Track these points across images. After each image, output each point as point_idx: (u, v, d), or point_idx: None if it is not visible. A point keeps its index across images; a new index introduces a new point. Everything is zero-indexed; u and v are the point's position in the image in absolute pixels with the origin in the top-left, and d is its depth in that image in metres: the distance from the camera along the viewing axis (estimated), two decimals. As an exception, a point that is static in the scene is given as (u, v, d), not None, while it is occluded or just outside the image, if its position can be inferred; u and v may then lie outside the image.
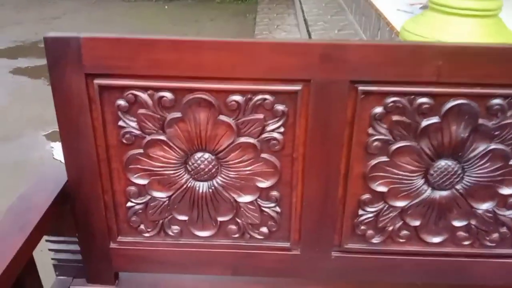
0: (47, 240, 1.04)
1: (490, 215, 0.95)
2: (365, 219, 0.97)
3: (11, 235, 0.82)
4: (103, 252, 1.02)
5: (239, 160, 0.92)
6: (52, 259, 1.07)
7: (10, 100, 3.33)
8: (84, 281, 1.07)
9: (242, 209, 0.97)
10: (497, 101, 0.84)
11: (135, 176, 0.94)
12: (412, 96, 0.85)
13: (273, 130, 0.89)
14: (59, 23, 5.24)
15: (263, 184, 0.94)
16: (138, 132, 0.90)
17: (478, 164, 0.90)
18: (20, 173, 2.40)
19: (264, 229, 0.99)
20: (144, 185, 0.95)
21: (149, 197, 0.97)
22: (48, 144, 2.68)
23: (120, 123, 0.89)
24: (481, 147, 0.89)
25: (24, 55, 4.27)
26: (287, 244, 1.00)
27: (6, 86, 3.59)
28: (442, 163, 0.91)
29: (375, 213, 0.96)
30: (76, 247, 1.03)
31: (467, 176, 0.92)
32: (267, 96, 0.86)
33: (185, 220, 0.99)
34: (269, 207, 0.97)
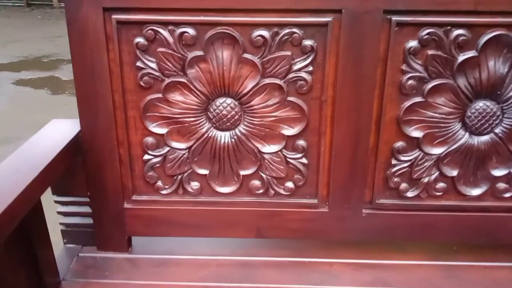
0: (56, 201, 0.97)
1: (533, 162, 0.89)
2: (399, 169, 0.90)
3: (17, 175, 0.75)
4: (116, 213, 0.95)
5: (264, 104, 0.87)
6: (61, 224, 0.99)
7: (12, 107, 3.29)
8: (94, 249, 0.99)
9: (266, 161, 0.91)
10: (538, 31, 0.80)
11: (153, 125, 0.88)
12: (448, 27, 0.80)
13: (300, 69, 0.84)
14: (62, 41, 5.27)
15: (289, 131, 0.88)
16: (157, 73, 0.85)
17: (518, 104, 0.85)
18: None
19: (290, 184, 0.92)
20: (162, 135, 0.89)
21: (167, 148, 0.90)
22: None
23: (138, 63, 0.84)
24: (522, 84, 0.83)
25: (27, 68, 4.26)
26: (314, 201, 0.93)
27: (8, 95, 3.56)
28: (480, 103, 0.85)
29: (409, 163, 0.90)
30: (86, 209, 0.96)
31: (507, 118, 0.86)
32: (295, 30, 0.81)
33: (205, 175, 0.92)
34: (296, 159, 0.91)
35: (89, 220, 0.97)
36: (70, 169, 0.91)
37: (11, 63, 4.46)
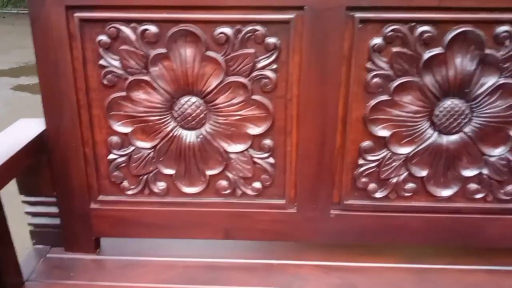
0: (23, 201, 0.96)
1: (504, 162, 0.87)
2: (367, 169, 0.89)
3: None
4: (83, 214, 0.94)
5: (228, 103, 0.85)
6: (29, 224, 0.98)
7: (8, 111, 3.31)
8: (62, 250, 0.98)
9: (232, 161, 0.89)
10: (504, 27, 0.78)
11: (117, 123, 0.88)
12: (413, 24, 0.79)
13: (264, 67, 0.83)
14: (63, 47, 5.31)
15: (255, 130, 0.87)
16: (120, 71, 0.84)
17: (487, 102, 0.83)
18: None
19: (257, 184, 0.91)
20: (127, 134, 0.88)
21: (132, 148, 0.89)
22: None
23: (102, 62, 0.83)
24: (490, 82, 0.82)
25: (26, 74, 4.29)
26: (282, 202, 0.92)
27: (5, 99, 3.59)
28: (448, 102, 0.84)
29: (377, 163, 0.88)
30: (54, 209, 0.95)
31: (476, 116, 0.84)
32: (257, 27, 0.80)
33: (171, 175, 0.91)
34: (262, 158, 0.89)
35: (58, 221, 0.96)
36: (37, 168, 0.91)
37: (12, 69, 4.49)
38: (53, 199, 0.94)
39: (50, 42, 0.83)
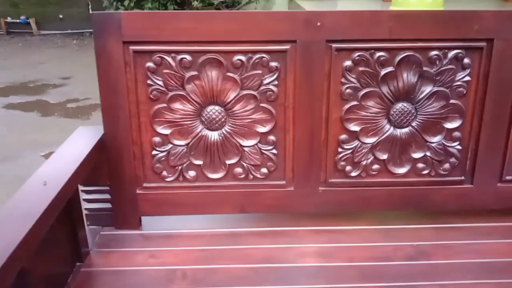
0: (82, 190, 1.23)
1: (441, 147, 1.22)
2: (344, 155, 1.21)
3: (62, 169, 1.01)
4: (131, 198, 1.22)
5: (243, 109, 1.17)
6: (85, 209, 1.25)
7: (6, 129, 3.49)
8: (112, 228, 1.25)
9: (246, 152, 1.20)
10: (434, 52, 1.13)
11: (160, 127, 1.17)
12: (372, 51, 1.13)
13: (269, 83, 1.15)
14: (45, 67, 5.49)
15: (262, 129, 1.19)
16: (163, 89, 1.14)
17: (426, 104, 1.18)
18: (19, 186, 2.54)
19: (264, 170, 1.22)
20: (166, 135, 1.18)
21: (170, 145, 1.19)
22: (47, 162, 2.84)
23: (149, 81, 1.13)
24: (427, 90, 1.16)
25: (14, 93, 4.46)
26: (283, 182, 1.23)
27: (0, 118, 3.76)
28: (399, 105, 1.18)
29: (351, 150, 1.21)
30: (106, 196, 1.23)
31: (420, 114, 1.19)
32: (264, 55, 1.12)
33: (200, 165, 1.21)
34: (268, 150, 1.21)
35: (108, 205, 1.24)
36: (96, 165, 1.19)
37: (-1, 89, 4.65)
38: (105, 188, 1.22)
39: (110, 68, 1.12)
